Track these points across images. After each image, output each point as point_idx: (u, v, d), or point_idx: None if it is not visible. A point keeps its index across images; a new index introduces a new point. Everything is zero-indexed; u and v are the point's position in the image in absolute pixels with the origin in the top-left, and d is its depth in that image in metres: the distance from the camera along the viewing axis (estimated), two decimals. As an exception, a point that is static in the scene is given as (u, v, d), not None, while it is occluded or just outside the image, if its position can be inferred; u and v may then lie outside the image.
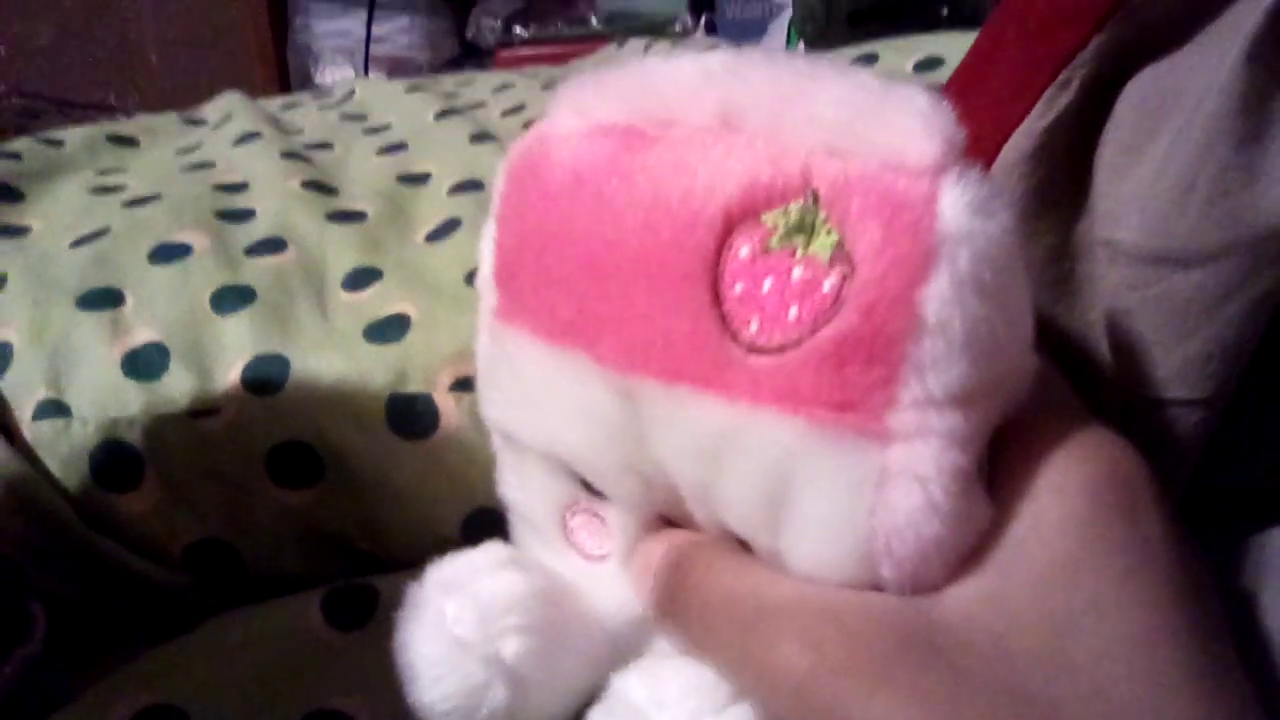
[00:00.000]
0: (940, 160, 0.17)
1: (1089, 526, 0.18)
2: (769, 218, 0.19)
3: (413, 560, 0.37)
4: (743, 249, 0.19)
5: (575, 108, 0.22)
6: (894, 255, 0.17)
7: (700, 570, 0.21)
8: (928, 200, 0.17)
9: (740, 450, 0.19)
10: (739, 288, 0.19)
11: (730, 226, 0.19)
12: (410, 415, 0.36)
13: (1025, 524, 0.18)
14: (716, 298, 0.19)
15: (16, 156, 0.54)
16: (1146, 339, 0.23)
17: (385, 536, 0.37)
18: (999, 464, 0.19)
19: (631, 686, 0.20)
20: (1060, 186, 0.25)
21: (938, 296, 0.17)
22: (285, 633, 0.33)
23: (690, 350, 0.19)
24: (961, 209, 0.17)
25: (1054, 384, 0.21)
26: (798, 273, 0.18)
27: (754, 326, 0.19)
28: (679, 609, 0.21)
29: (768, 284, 0.19)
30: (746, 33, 1.25)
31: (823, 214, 0.18)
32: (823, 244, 0.18)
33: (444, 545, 0.36)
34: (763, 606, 0.19)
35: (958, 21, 0.82)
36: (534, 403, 0.23)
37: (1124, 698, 0.17)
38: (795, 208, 0.18)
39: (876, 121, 0.18)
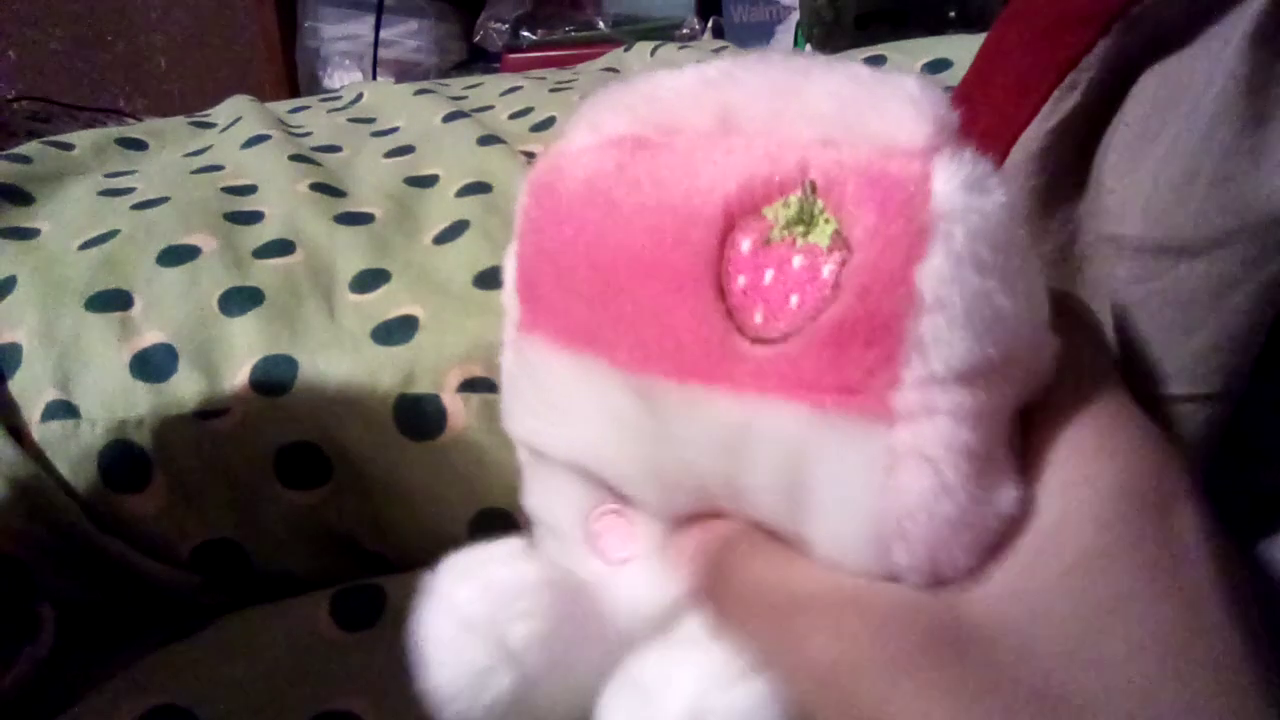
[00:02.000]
0: (932, 141, 0.18)
1: (1120, 519, 0.18)
2: (769, 211, 0.19)
3: (421, 561, 0.37)
4: (744, 243, 0.19)
5: (589, 125, 0.22)
6: (888, 236, 0.17)
7: (736, 558, 0.21)
8: (920, 180, 0.17)
9: (753, 442, 0.19)
10: (742, 281, 0.19)
11: (731, 222, 0.19)
12: (418, 416, 0.36)
13: (1054, 515, 0.18)
14: (721, 293, 0.19)
15: (26, 160, 0.54)
16: (1153, 334, 0.23)
17: (393, 537, 0.37)
18: (1029, 450, 0.19)
19: (642, 667, 0.20)
20: (1066, 187, 0.25)
21: (934, 274, 0.17)
22: (293, 633, 0.34)
23: (698, 346, 0.19)
24: (955, 187, 0.17)
25: (1097, 368, 0.21)
26: (798, 262, 0.18)
27: (758, 318, 0.19)
28: (714, 596, 0.21)
29: (769, 275, 0.19)
30: (754, 36, 1.25)
31: (820, 203, 0.18)
32: (821, 232, 0.18)
33: (452, 545, 0.37)
34: (794, 597, 0.19)
35: (965, 24, 0.82)
36: (556, 411, 0.23)
37: (1154, 699, 0.16)
38: (794, 199, 0.19)
39: (868, 110, 0.18)
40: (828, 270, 0.18)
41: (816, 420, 0.18)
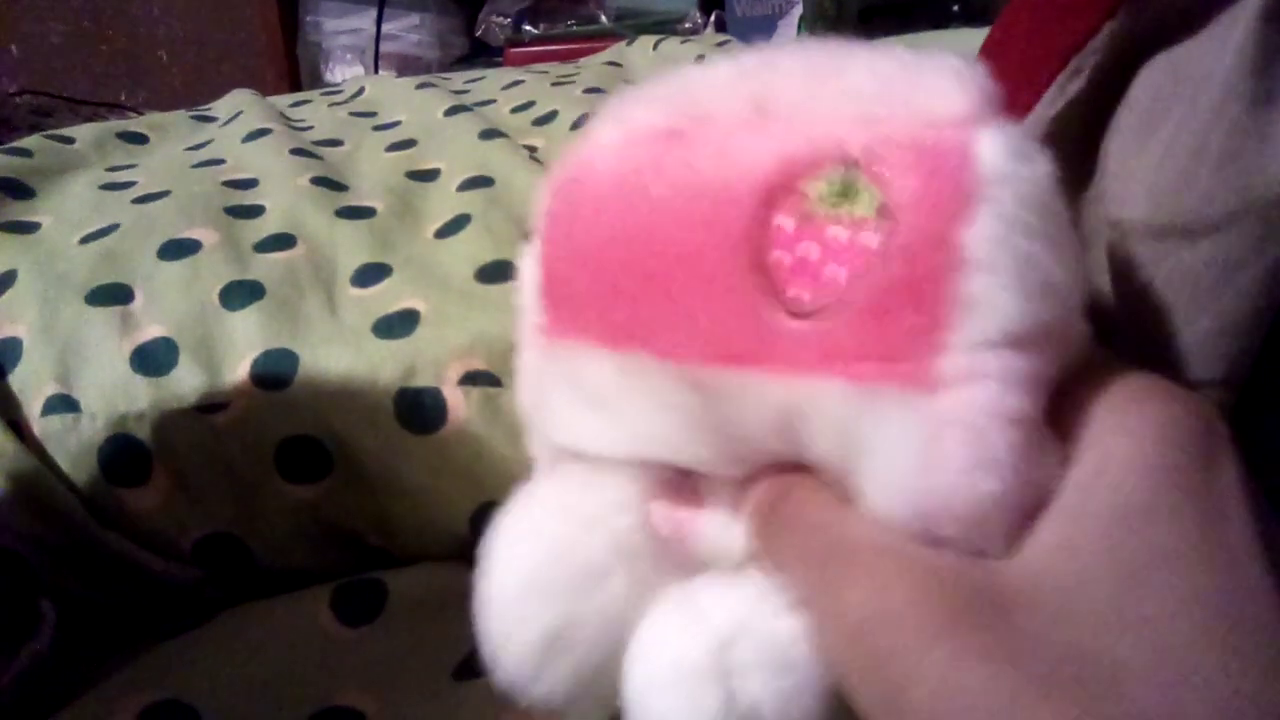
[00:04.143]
0: (975, 111, 0.18)
1: (1162, 471, 0.17)
2: (809, 188, 0.19)
3: (422, 555, 0.37)
4: (785, 221, 0.19)
5: (615, 120, 0.22)
6: (933, 201, 0.17)
7: (793, 503, 0.21)
8: (964, 148, 0.17)
9: (806, 419, 0.19)
10: (785, 259, 0.19)
11: (771, 202, 0.19)
12: (419, 409, 0.36)
13: (1093, 468, 0.17)
14: (764, 273, 0.19)
15: (27, 154, 0.54)
16: (1155, 320, 0.23)
17: (394, 531, 0.37)
18: (1062, 411, 0.18)
19: (703, 586, 0.20)
20: (1069, 174, 0.25)
21: (983, 236, 0.17)
22: (295, 628, 0.34)
23: (743, 329, 0.19)
24: (1000, 153, 0.17)
25: (1110, 354, 0.21)
26: (841, 235, 0.18)
27: (804, 295, 0.19)
28: (769, 537, 0.21)
29: (813, 251, 0.19)
30: (756, 30, 1.24)
31: (863, 177, 0.18)
32: (864, 204, 0.18)
33: (452, 539, 0.37)
34: (838, 544, 0.19)
35: (969, 18, 0.81)
36: (608, 412, 0.22)
37: (1192, 663, 0.16)
38: (834, 174, 0.18)
39: (910, 85, 0.18)
40: (872, 241, 0.18)
41: (862, 392, 0.18)
